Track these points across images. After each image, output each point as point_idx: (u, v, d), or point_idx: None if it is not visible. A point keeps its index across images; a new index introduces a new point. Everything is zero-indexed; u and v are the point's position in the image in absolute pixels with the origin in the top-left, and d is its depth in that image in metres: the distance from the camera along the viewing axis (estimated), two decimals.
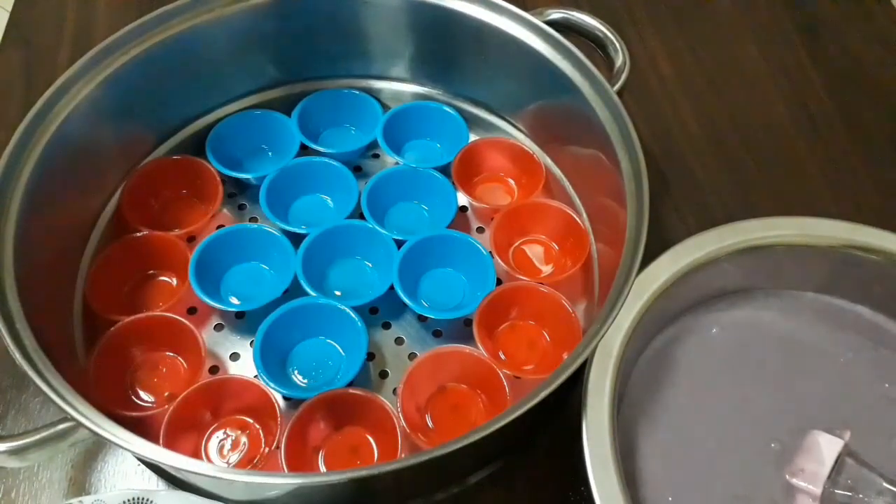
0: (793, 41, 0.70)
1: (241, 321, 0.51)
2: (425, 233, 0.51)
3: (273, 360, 0.47)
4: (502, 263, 0.50)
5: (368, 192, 0.53)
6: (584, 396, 0.37)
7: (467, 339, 0.47)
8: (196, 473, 0.35)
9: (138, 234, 0.51)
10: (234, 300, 0.50)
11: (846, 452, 0.39)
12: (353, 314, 0.47)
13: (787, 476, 0.40)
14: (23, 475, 0.47)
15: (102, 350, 0.46)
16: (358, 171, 0.58)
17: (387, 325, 0.51)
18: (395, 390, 0.48)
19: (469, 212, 0.56)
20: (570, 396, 0.46)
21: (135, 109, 0.52)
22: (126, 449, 0.35)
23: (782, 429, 0.41)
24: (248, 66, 0.56)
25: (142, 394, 0.47)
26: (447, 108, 0.58)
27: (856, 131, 0.64)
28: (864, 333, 0.45)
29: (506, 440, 0.45)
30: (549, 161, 0.56)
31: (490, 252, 0.50)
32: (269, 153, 0.58)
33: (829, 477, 0.38)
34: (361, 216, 0.52)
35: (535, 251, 0.53)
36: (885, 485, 0.38)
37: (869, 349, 0.44)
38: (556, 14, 0.52)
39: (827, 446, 0.39)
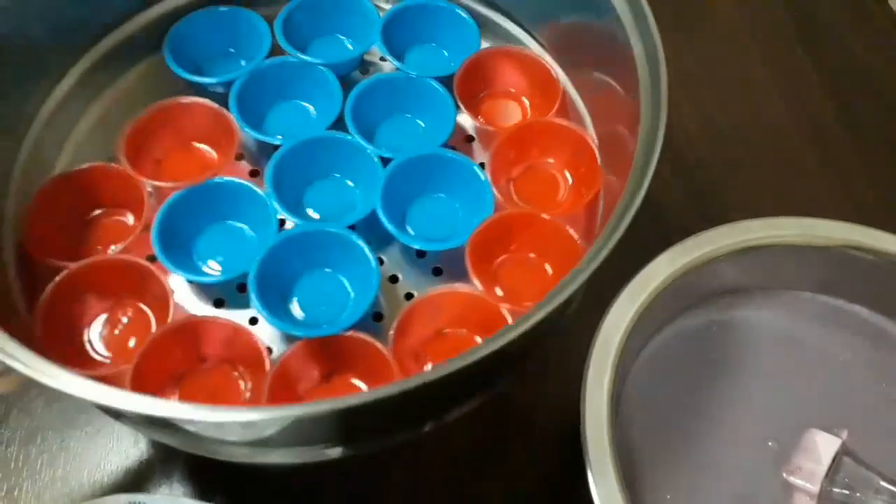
0: (793, 41, 0.70)
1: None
2: (414, 151, 0.45)
3: (273, 296, 0.42)
4: (502, 191, 0.45)
5: (353, 101, 0.46)
6: (584, 392, 0.37)
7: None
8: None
9: (84, 167, 0.45)
10: (213, 266, 0.44)
11: (844, 451, 0.39)
12: (365, 247, 0.42)
13: (784, 474, 0.40)
14: (26, 473, 0.47)
15: (49, 300, 0.40)
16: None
17: (380, 262, 0.45)
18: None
19: (476, 142, 0.50)
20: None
21: None
22: (50, 386, 0.30)
23: (781, 428, 0.41)
24: None
25: (100, 350, 0.42)
26: (457, 10, 0.51)
27: (855, 131, 0.64)
28: (863, 333, 0.45)
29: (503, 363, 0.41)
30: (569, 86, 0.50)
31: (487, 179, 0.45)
32: (241, 60, 0.51)
33: (826, 475, 0.39)
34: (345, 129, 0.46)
35: (541, 176, 0.48)
36: (883, 483, 0.38)
37: (868, 349, 0.44)
38: None
39: (824, 445, 0.39)
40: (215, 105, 0.47)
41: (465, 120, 0.49)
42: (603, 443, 0.36)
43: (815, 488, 0.39)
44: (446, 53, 0.52)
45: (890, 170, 0.62)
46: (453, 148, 0.47)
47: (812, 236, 0.43)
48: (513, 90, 0.51)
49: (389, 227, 0.43)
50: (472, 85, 0.49)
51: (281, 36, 0.49)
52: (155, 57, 0.50)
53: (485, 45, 0.52)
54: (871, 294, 0.45)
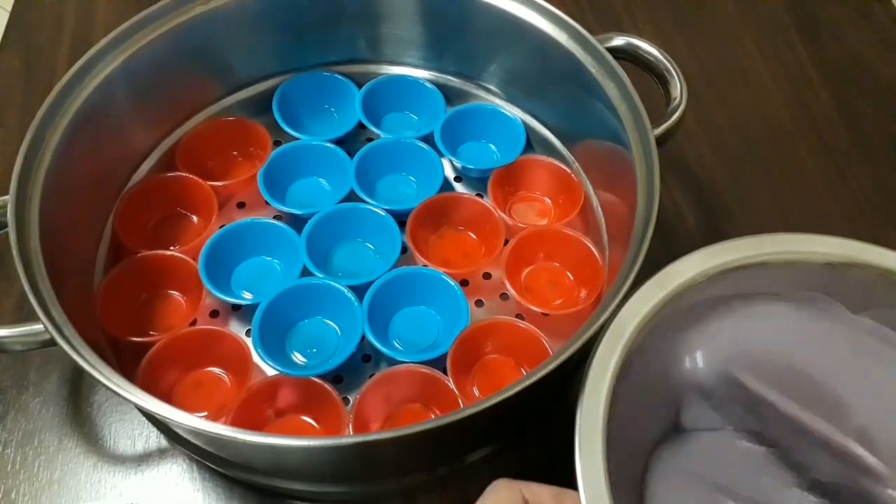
0: (793, 41, 0.70)
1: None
2: (392, 272, 0.49)
3: (273, 339, 0.48)
4: (512, 290, 0.49)
5: (358, 161, 0.54)
6: (580, 402, 0.35)
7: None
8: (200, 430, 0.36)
9: (169, 175, 0.53)
10: (247, 294, 0.50)
11: None
12: (350, 295, 0.47)
13: None
14: (23, 476, 0.47)
15: (114, 276, 0.49)
16: None
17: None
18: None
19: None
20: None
21: (204, 60, 0.54)
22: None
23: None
24: (337, 36, 0.58)
25: (148, 325, 0.49)
26: (505, 112, 0.57)
27: (856, 131, 0.64)
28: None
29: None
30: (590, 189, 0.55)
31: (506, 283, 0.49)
32: (335, 114, 0.60)
33: None
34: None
35: (548, 278, 0.52)
36: None
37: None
38: (619, 40, 0.50)
39: None
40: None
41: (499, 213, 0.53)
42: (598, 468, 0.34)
43: None
44: (493, 147, 0.59)
45: (891, 168, 0.62)
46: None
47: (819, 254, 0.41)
48: (538, 193, 0.57)
49: (378, 344, 0.46)
50: (505, 186, 0.55)
51: (360, 111, 0.57)
52: None
53: (530, 151, 0.58)
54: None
